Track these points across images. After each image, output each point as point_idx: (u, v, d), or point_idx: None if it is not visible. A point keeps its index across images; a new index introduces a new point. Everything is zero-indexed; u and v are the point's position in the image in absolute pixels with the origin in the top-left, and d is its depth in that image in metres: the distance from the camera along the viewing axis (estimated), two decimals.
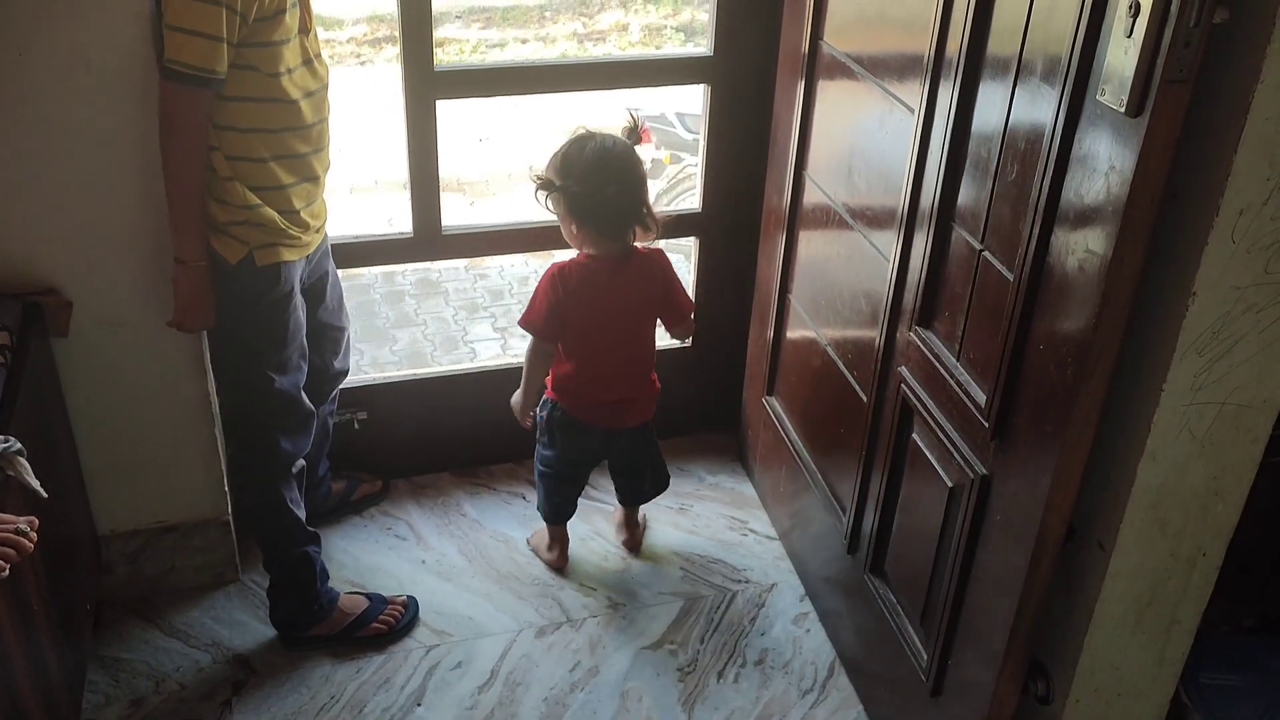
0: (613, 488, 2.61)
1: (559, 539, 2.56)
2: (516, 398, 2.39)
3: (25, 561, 1.46)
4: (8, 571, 1.41)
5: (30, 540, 1.45)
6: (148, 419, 2.24)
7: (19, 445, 1.66)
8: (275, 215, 1.94)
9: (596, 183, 2.13)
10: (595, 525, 2.66)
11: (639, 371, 2.38)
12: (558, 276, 2.23)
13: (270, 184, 1.93)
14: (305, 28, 1.93)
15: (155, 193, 2.03)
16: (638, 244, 2.26)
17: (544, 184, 2.17)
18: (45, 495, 1.68)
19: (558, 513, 2.53)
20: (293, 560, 2.24)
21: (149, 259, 2.08)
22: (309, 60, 1.93)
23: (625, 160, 2.16)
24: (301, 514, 2.21)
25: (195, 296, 1.97)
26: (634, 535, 2.62)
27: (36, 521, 1.48)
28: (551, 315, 2.23)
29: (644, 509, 2.67)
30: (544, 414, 2.41)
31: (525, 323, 2.27)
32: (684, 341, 2.45)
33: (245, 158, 1.89)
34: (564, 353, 2.32)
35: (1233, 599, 1.99)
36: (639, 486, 2.57)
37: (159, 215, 2.04)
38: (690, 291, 2.81)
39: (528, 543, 2.63)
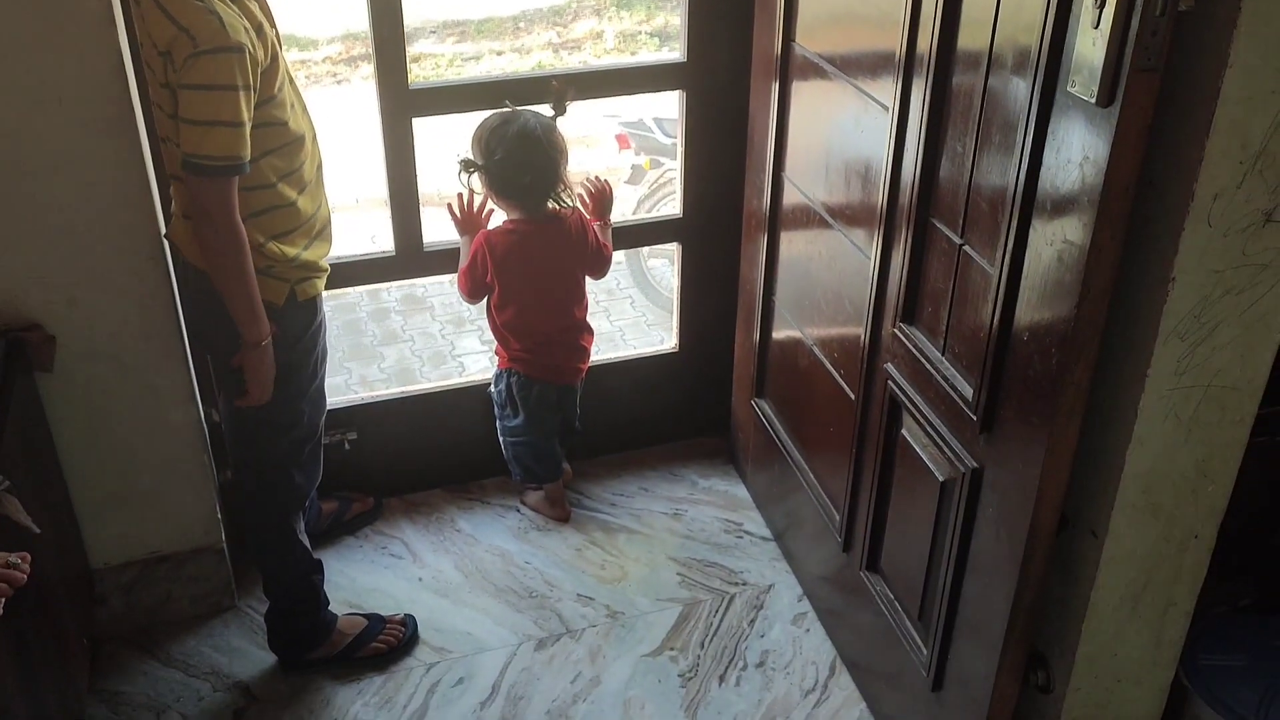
0: (594, 490, 2.81)
1: (556, 493, 2.71)
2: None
3: (19, 596, 1.46)
4: (1, 607, 1.41)
5: (24, 573, 1.45)
6: (137, 449, 2.23)
7: (7, 482, 1.66)
8: (310, 256, 1.94)
9: (516, 164, 2.33)
10: (590, 534, 2.66)
11: (576, 320, 2.55)
12: (484, 245, 2.43)
13: (299, 222, 1.92)
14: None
15: (132, 225, 2.03)
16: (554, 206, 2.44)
17: (467, 165, 2.37)
18: (38, 531, 1.68)
19: (550, 470, 2.67)
20: (297, 589, 2.23)
21: (129, 291, 2.08)
22: (292, 80, 1.92)
23: (545, 142, 2.34)
24: (307, 542, 2.21)
25: (263, 370, 1.91)
26: (566, 508, 2.75)
27: (29, 556, 1.48)
28: (475, 280, 2.46)
29: (639, 511, 2.75)
30: (501, 386, 2.59)
31: (459, 285, 2.50)
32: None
33: (275, 207, 1.86)
34: (504, 309, 2.49)
35: (1228, 578, 2.00)
36: (569, 441, 2.73)
37: (137, 247, 2.05)
38: (675, 296, 2.84)
39: (523, 504, 2.75)
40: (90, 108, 1.92)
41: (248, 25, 1.73)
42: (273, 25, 1.85)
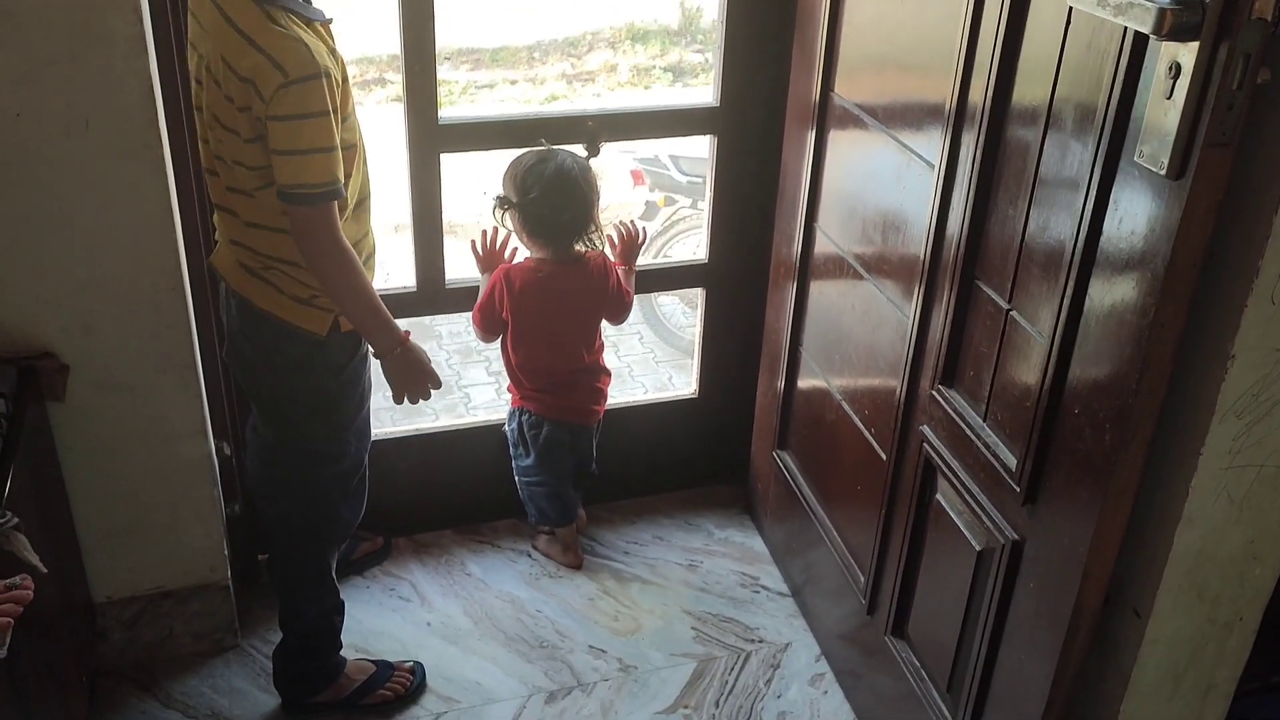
0: (608, 537, 2.75)
1: (569, 539, 2.64)
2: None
3: (17, 628, 1.40)
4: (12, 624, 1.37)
5: (28, 589, 1.41)
6: (146, 482, 2.17)
7: (16, 520, 1.61)
8: None
9: (553, 204, 2.29)
10: (603, 583, 2.60)
11: (586, 363, 2.50)
12: (502, 280, 2.39)
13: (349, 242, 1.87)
14: None
15: (153, 254, 1.99)
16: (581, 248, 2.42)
17: (502, 202, 2.34)
18: (44, 570, 1.62)
19: (564, 514, 2.61)
20: (318, 626, 2.18)
21: (146, 321, 2.03)
22: None
23: (581, 181, 2.31)
24: (336, 580, 2.17)
25: (409, 374, 1.95)
26: (579, 555, 2.67)
27: (29, 576, 1.44)
28: (491, 317, 2.43)
29: (653, 561, 2.68)
30: (513, 425, 2.54)
31: (474, 322, 2.46)
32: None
33: None
34: (517, 349, 2.45)
35: (1260, 654, 1.95)
36: (584, 483, 2.66)
37: (156, 276, 2.00)
38: (697, 341, 2.80)
39: (534, 548, 2.68)
40: (118, 134, 1.88)
41: (324, 50, 1.72)
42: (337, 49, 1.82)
